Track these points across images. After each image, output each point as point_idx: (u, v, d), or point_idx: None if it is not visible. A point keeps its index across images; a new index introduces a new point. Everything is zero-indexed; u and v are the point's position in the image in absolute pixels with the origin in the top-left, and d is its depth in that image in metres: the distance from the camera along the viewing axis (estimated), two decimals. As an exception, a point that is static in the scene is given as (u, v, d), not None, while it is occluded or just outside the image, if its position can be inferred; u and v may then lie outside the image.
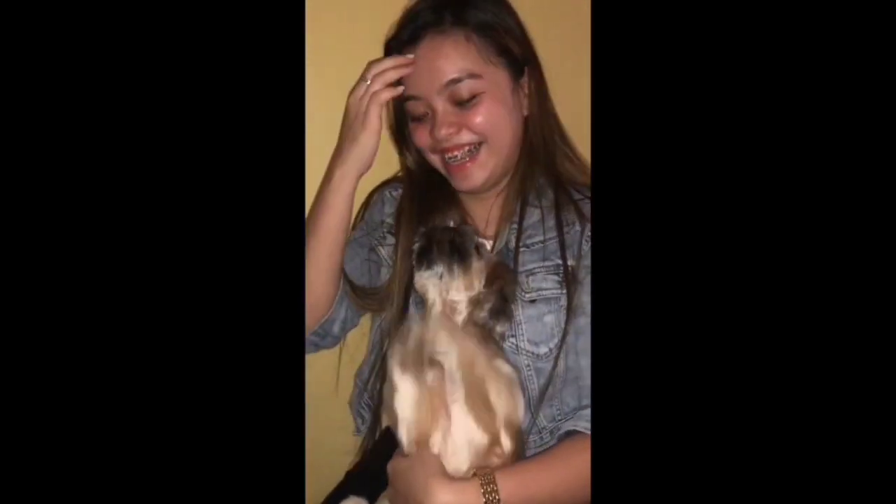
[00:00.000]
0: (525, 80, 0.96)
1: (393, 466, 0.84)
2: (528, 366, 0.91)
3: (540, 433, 0.91)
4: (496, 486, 0.77)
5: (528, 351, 0.91)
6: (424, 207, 1.01)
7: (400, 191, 1.07)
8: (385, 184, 1.11)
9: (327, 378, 1.16)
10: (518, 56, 0.94)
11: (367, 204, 1.11)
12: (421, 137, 0.96)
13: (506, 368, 0.85)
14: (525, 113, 0.97)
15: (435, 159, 0.97)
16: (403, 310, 0.95)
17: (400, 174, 1.10)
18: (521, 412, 0.84)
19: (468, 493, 0.77)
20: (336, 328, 1.05)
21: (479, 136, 0.92)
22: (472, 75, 0.90)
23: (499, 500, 0.76)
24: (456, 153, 0.93)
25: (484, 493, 0.77)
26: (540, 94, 0.97)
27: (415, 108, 0.95)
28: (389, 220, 1.06)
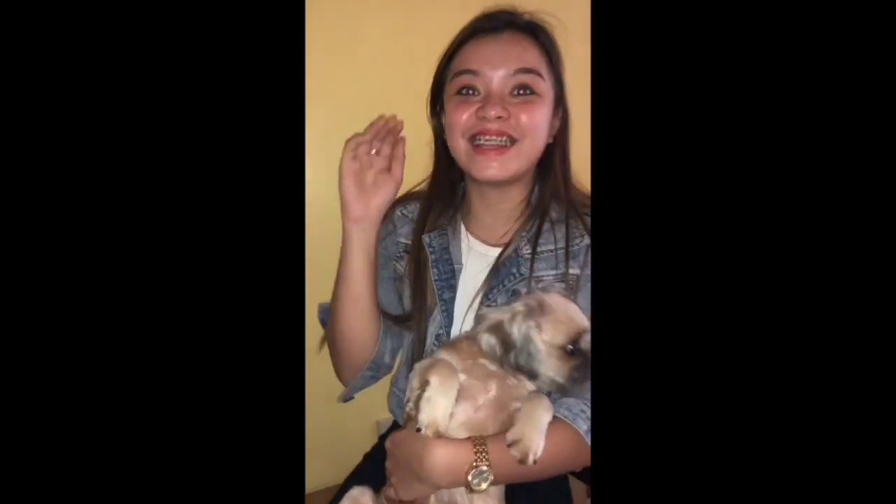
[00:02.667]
0: (560, 112, 1.05)
1: (391, 438, 0.93)
2: None
3: None
4: (487, 448, 0.85)
5: None
6: (437, 216, 1.10)
7: (411, 207, 1.15)
8: (398, 202, 1.15)
9: (328, 379, 1.18)
10: (561, 90, 1.04)
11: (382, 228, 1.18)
12: (460, 114, 0.99)
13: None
14: (549, 141, 1.04)
15: (461, 145, 1.01)
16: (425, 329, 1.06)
17: (418, 187, 1.17)
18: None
19: (461, 451, 0.86)
20: (387, 359, 1.13)
21: (520, 132, 0.98)
22: (539, 74, 0.98)
23: (488, 459, 0.85)
24: (492, 137, 0.98)
25: (475, 452, 0.85)
26: (564, 130, 1.06)
27: (468, 81, 0.99)
28: (403, 241, 1.14)
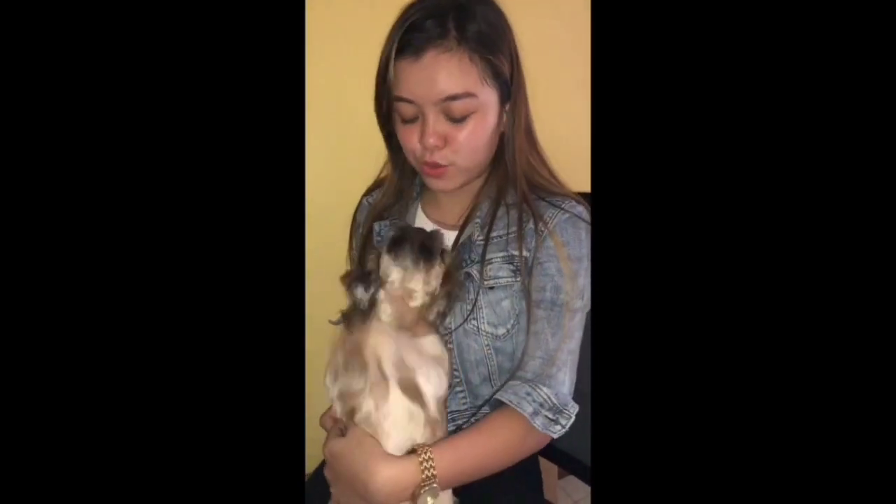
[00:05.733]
0: (510, 102, 0.99)
1: (329, 449, 0.91)
2: (489, 345, 1.01)
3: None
4: (433, 462, 0.84)
5: (487, 332, 1.01)
6: (392, 203, 1.12)
7: (375, 195, 1.17)
8: (366, 192, 1.20)
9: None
10: (508, 80, 0.97)
11: (352, 224, 1.22)
12: (409, 138, 0.99)
13: (434, 350, 0.95)
14: (503, 130, 1.02)
15: (412, 158, 1.03)
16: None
17: (381, 175, 1.18)
18: (445, 387, 0.94)
19: (408, 468, 0.84)
20: None
21: (458, 153, 0.96)
22: (470, 94, 0.92)
23: (435, 474, 0.83)
24: (434, 162, 0.98)
25: (423, 470, 0.83)
26: (517, 114, 1.00)
27: (406, 110, 0.96)
28: (361, 231, 1.15)
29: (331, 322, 1.05)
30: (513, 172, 1.03)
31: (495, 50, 0.93)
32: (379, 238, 1.10)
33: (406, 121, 0.98)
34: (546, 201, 1.03)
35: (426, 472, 0.83)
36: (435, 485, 0.83)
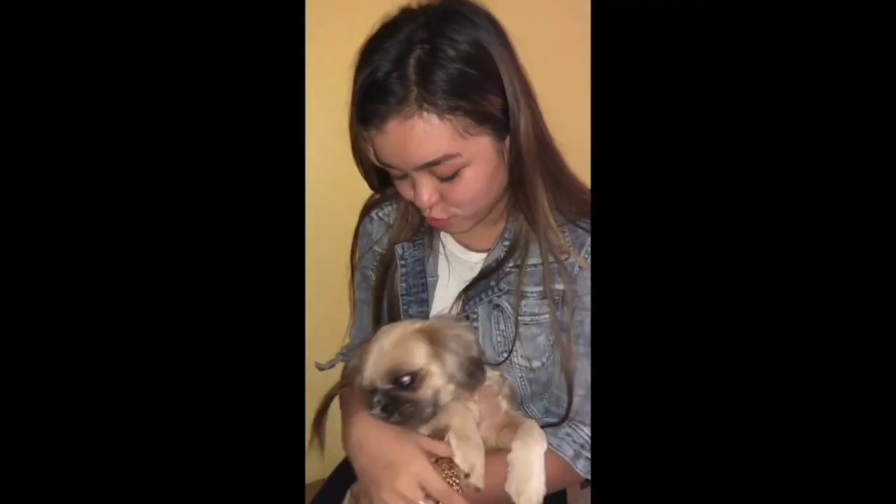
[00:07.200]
0: (512, 130, 0.87)
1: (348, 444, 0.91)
2: (522, 377, 0.97)
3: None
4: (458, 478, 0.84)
5: (521, 365, 0.97)
6: (413, 223, 1.04)
7: (387, 209, 1.08)
8: (374, 204, 1.11)
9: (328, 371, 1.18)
10: (501, 115, 0.84)
11: (357, 233, 1.14)
12: (405, 192, 0.91)
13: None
14: (509, 161, 0.90)
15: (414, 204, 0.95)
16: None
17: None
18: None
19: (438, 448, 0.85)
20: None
21: (457, 205, 0.89)
22: (450, 156, 0.81)
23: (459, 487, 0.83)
24: (432, 217, 0.92)
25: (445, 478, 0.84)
26: (525, 138, 0.87)
27: (393, 172, 0.89)
28: (379, 250, 1.07)
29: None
30: (533, 197, 0.91)
31: (476, 91, 0.80)
32: (403, 262, 1.03)
33: (397, 178, 0.90)
34: (581, 227, 0.93)
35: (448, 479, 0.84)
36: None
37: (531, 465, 0.85)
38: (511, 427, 0.90)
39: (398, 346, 0.89)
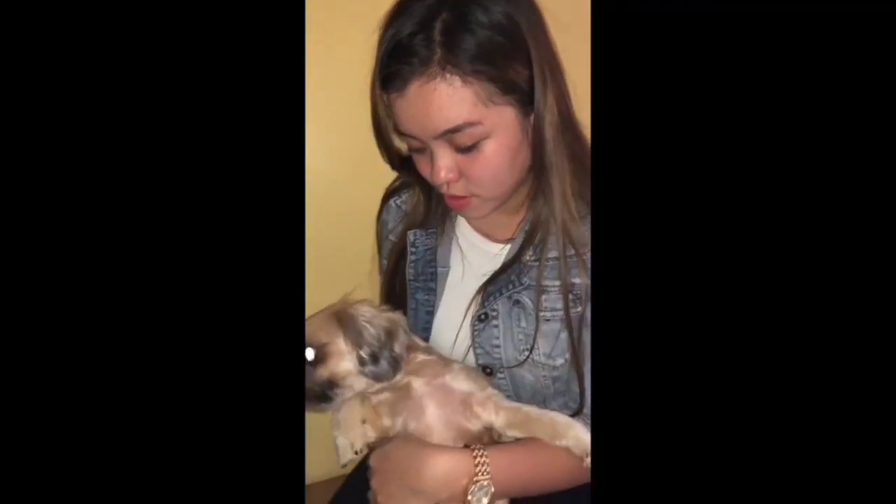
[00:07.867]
0: (537, 105, 0.83)
1: (376, 454, 0.87)
2: (545, 375, 0.93)
3: None
4: (487, 459, 0.80)
5: (543, 363, 0.93)
6: (429, 210, 1.01)
7: (404, 197, 1.06)
8: (393, 192, 1.09)
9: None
10: (526, 86, 0.81)
11: (378, 227, 1.11)
12: (423, 168, 0.89)
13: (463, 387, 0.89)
14: (531, 140, 0.86)
15: (433, 184, 0.92)
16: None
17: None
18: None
19: (461, 460, 0.80)
20: None
21: (475, 185, 0.85)
22: (471, 124, 0.78)
23: (489, 471, 0.80)
24: (451, 194, 0.89)
25: (476, 465, 0.80)
26: (550, 117, 0.83)
27: (411, 143, 0.86)
28: (392, 237, 1.06)
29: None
30: (557, 182, 0.87)
31: (502, 59, 0.78)
32: (413, 248, 1.01)
33: (415, 150, 0.87)
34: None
35: (479, 466, 0.80)
36: (487, 483, 0.80)
37: (561, 421, 0.83)
38: (519, 426, 0.87)
39: (311, 320, 0.87)
